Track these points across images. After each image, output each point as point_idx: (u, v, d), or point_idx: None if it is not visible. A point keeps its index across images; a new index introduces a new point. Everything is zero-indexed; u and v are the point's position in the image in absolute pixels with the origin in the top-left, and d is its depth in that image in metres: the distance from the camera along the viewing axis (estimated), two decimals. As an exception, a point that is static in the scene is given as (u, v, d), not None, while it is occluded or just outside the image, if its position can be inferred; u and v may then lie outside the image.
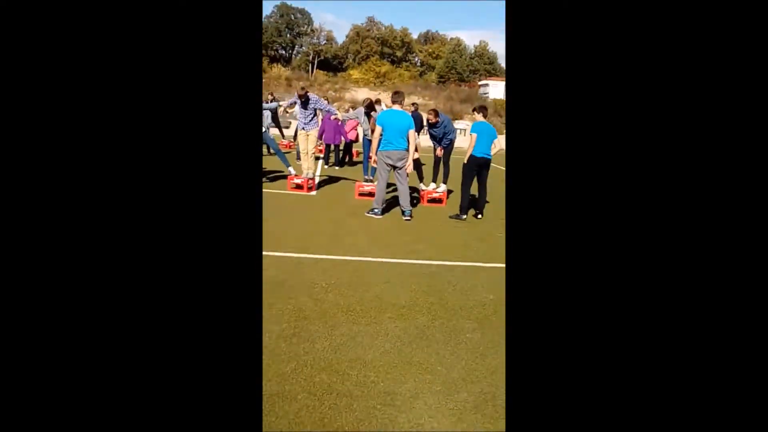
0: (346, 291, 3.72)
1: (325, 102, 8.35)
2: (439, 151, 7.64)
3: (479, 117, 6.66)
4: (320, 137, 10.53)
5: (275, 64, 44.04)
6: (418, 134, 7.99)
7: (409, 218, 6.29)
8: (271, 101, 12.02)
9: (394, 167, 6.27)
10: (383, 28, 55.92)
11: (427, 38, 60.80)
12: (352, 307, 3.43)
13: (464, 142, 6.85)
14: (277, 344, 2.81)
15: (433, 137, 7.65)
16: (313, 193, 7.70)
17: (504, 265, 4.39)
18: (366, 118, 8.48)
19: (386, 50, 53.78)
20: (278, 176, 8.67)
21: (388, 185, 6.54)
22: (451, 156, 7.80)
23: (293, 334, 2.96)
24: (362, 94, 11.89)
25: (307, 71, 47.25)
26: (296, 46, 55.93)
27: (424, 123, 8.10)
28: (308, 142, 7.70)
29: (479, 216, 6.70)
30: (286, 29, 53.90)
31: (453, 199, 7.77)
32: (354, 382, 2.48)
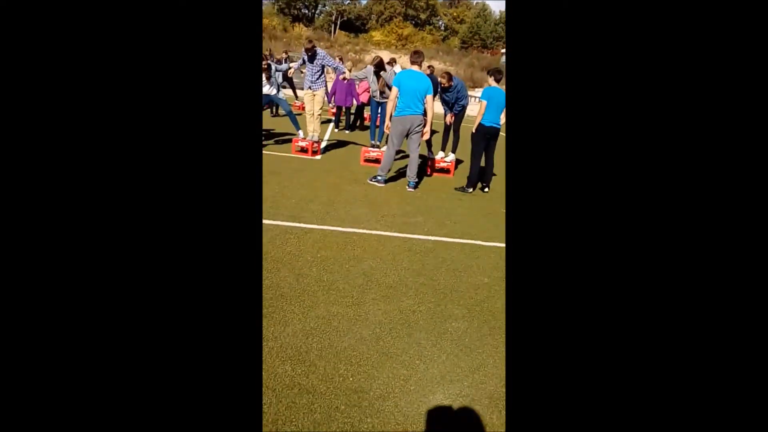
0: (331, 266, 3.44)
1: (337, 60, 7.92)
2: (450, 118, 7.22)
3: (491, 81, 6.21)
4: (330, 99, 10.14)
5: (297, 23, 43.21)
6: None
7: (413, 189, 5.95)
8: (285, 60, 11.60)
9: (408, 133, 5.87)
10: (408, -11, 54.21)
11: (452, 1, 58.88)
12: (334, 285, 3.16)
13: (475, 109, 6.41)
14: (243, 325, 2.56)
15: (444, 102, 7.21)
16: (318, 157, 7.37)
17: (504, 245, 4.12)
18: (375, 78, 7.99)
19: (410, 12, 52.22)
20: (287, 139, 8.33)
21: (397, 152, 6.16)
22: (462, 124, 7.38)
23: (265, 314, 2.70)
24: (383, 56, 11.41)
25: (329, 31, 46.26)
26: (319, 5, 54.67)
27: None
28: (314, 102, 7.32)
29: (486, 189, 6.34)
30: (310, -13, 52.64)
31: (462, 169, 7.40)
32: (320, 375, 2.22)
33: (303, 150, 7.34)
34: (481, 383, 2.29)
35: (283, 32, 40.66)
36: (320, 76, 7.23)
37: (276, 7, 51.80)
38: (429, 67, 10.72)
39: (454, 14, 55.69)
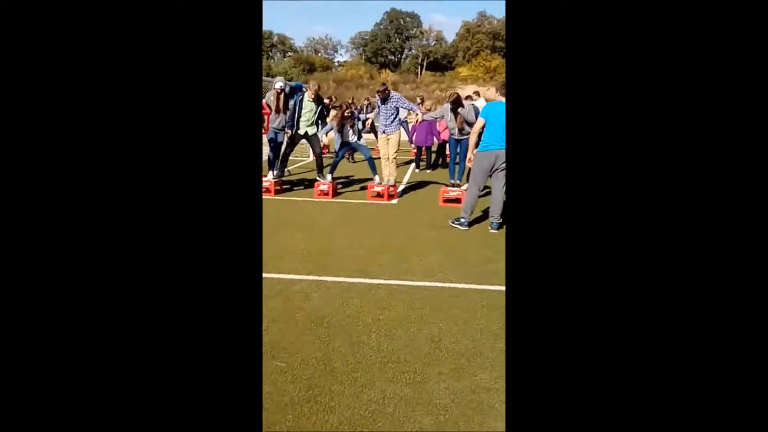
0: (394, 330, 2.98)
1: (412, 103, 7.64)
2: None
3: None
4: (410, 139, 9.86)
5: (384, 70, 44.34)
6: None
7: (496, 230, 5.37)
8: (367, 107, 11.60)
9: (492, 170, 5.28)
10: (495, 22, 53.84)
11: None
12: (395, 354, 2.69)
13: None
14: (283, 414, 2.15)
15: None
16: (394, 201, 7.02)
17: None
18: (453, 116, 7.57)
19: (498, 44, 51.72)
20: (364, 186, 8.09)
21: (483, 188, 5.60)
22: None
23: (308, 398, 2.28)
24: (468, 91, 11.11)
25: (416, 74, 46.98)
26: (405, 50, 55.95)
27: None
28: (389, 146, 7.04)
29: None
30: (396, 34, 54.10)
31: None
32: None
33: (379, 195, 7.02)
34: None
35: (370, 80, 41.84)
36: (394, 119, 6.97)
37: (363, 57, 53.75)
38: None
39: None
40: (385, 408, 2.21)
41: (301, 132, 7.23)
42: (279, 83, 7.28)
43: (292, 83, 7.71)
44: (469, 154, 5.49)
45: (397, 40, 54.35)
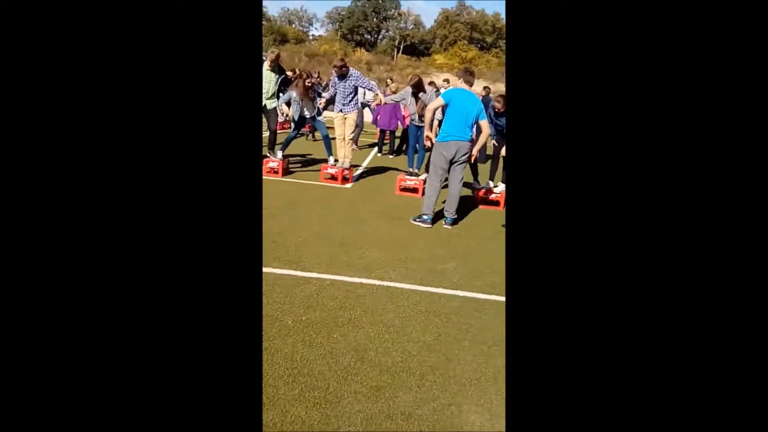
0: (315, 336, 2.59)
1: (372, 82, 7.19)
2: (504, 150, 6.28)
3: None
4: (374, 122, 9.41)
5: (359, 48, 43.47)
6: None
7: (450, 225, 5.03)
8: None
9: (452, 162, 4.91)
10: (474, 13, 53.38)
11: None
12: (309, 366, 2.30)
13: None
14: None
15: (498, 130, 6.28)
16: (348, 185, 6.60)
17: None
18: (413, 100, 7.14)
19: (475, 35, 51.31)
20: (318, 167, 7.63)
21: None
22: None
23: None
24: (443, 78, 10.74)
25: (392, 56, 46.26)
26: (382, 30, 54.97)
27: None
28: (345, 126, 6.59)
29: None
30: (373, 13, 53.05)
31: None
32: None
33: (332, 177, 6.60)
34: None
35: (345, 57, 40.84)
36: (352, 98, 6.52)
37: (339, 33, 52.64)
38: (485, 88, 9.79)
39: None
40: (283, 436, 1.84)
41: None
42: None
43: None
44: (426, 132, 5.11)
45: (374, 19, 53.22)
